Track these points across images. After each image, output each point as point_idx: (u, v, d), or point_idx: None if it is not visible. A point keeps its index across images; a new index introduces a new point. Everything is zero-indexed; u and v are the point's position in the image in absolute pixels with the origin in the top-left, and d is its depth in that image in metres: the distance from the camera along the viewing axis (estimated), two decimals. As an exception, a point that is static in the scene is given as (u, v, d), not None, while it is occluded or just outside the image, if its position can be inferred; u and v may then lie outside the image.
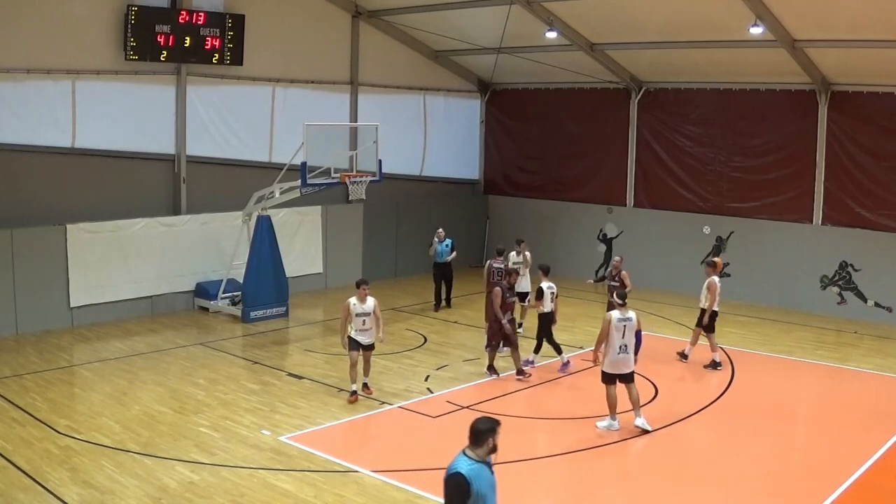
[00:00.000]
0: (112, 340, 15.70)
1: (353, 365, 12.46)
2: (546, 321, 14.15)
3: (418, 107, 23.19)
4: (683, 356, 14.83)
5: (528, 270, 16.69)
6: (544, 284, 14.13)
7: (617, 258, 16.09)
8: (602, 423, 11.34)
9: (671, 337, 16.60)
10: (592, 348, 15.55)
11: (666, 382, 13.50)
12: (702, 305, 14.47)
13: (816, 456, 10.75)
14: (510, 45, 20.06)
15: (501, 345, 13.74)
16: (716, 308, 14.36)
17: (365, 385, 12.76)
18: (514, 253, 17.01)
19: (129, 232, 17.29)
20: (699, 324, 14.57)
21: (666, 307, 19.08)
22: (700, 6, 16.78)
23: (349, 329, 12.43)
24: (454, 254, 18.83)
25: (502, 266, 15.80)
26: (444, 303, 19.07)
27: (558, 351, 14.19)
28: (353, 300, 12.43)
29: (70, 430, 11.02)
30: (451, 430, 11.48)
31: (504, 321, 13.34)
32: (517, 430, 11.58)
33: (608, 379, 11.23)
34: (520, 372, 13.59)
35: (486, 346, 13.81)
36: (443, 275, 18.98)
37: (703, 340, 14.71)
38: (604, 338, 11.23)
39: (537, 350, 14.34)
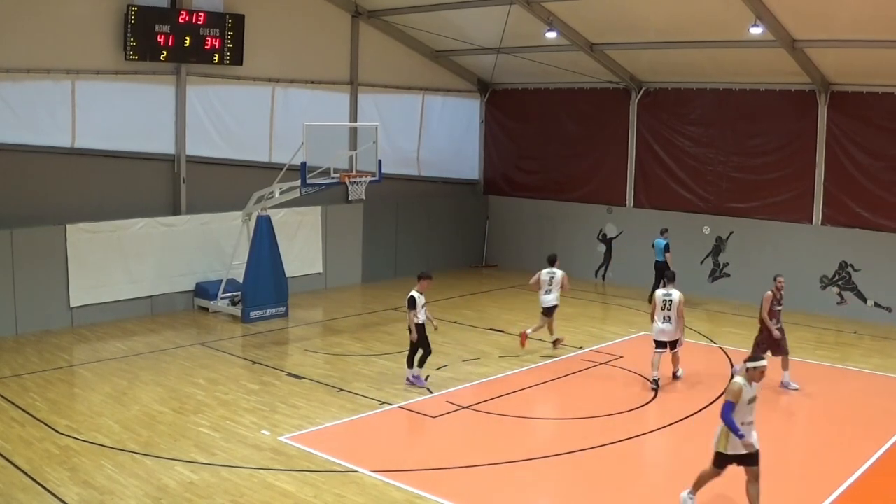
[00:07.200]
0: (112, 340, 15.68)
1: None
2: None
3: (418, 107, 23.18)
4: None
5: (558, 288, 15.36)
6: None
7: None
8: None
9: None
10: (592, 349, 15.72)
11: (666, 382, 13.49)
12: None
13: (816, 456, 10.74)
14: (510, 45, 20.06)
15: None
16: None
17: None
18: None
19: (129, 232, 17.28)
20: None
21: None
22: (700, 6, 16.78)
23: None
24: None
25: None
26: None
27: None
28: None
29: (70, 430, 11.01)
30: (451, 430, 11.50)
31: None
32: (517, 429, 11.62)
33: None
34: None
35: None
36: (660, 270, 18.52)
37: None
38: None
39: None
